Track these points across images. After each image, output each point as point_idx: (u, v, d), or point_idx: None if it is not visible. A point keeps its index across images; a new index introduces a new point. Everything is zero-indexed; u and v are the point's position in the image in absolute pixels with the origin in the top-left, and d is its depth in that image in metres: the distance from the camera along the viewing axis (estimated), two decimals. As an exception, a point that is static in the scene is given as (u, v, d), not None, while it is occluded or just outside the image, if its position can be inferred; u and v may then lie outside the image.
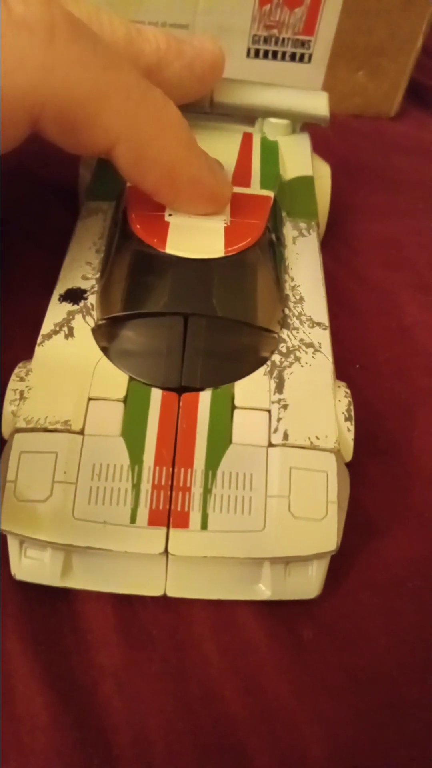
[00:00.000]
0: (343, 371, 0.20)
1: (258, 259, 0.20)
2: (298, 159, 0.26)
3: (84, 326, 0.19)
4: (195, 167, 0.19)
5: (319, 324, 0.20)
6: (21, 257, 0.27)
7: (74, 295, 0.20)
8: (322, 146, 0.28)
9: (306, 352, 0.19)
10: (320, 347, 0.19)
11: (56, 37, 0.16)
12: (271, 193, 0.22)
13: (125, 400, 0.18)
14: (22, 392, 0.18)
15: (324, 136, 0.29)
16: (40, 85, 0.16)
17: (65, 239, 0.23)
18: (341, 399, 0.19)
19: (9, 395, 0.18)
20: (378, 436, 0.22)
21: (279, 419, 0.17)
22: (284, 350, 0.19)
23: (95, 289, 0.20)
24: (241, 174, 0.24)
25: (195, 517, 0.16)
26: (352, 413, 0.18)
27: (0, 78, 0.15)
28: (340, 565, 0.18)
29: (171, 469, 0.17)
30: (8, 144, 0.17)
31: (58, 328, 0.19)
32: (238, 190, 0.22)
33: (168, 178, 0.19)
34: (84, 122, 0.17)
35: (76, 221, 0.23)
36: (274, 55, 0.36)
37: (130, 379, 0.18)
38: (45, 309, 0.20)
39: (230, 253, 0.20)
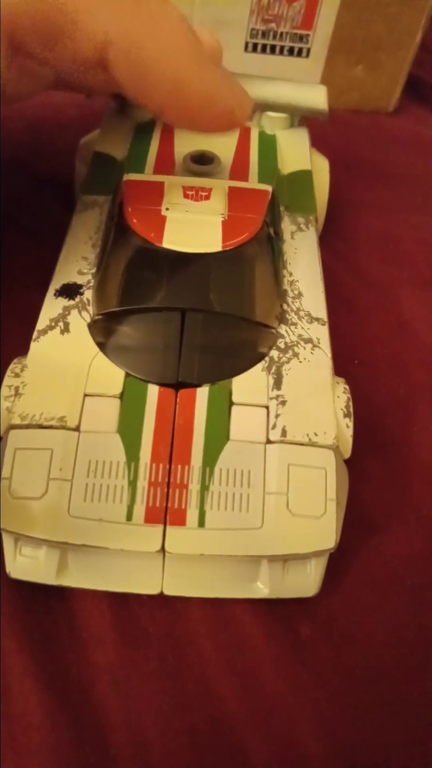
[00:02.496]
0: (341, 367, 0.20)
1: (256, 253, 0.20)
2: (297, 153, 0.26)
3: (80, 321, 0.19)
4: (205, 76, 0.17)
5: (317, 319, 0.20)
6: (17, 251, 0.27)
7: (70, 290, 0.20)
8: (320, 140, 0.28)
9: (304, 348, 0.19)
10: (319, 343, 0.19)
11: None
12: (269, 188, 0.22)
13: (121, 397, 0.17)
14: (17, 388, 0.18)
15: (322, 131, 0.28)
16: None
17: (61, 233, 0.23)
18: (340, 395, 0.18)
19: (4, 391, 0.18)
20: (377, 432, 0.22)
21: (277, 415, 0.17)
22: (282, 346, 0.19)
23: (91, 284, 0.20)
24: (239, 168, 0.24)
25: (192, 515, 0.16)
26: (351, 409, 0.18)
27: None
28: (338, 562, 0.18)
29: (168, 466, 0.16)
30: None
31: (53, 324, 0.19)
32: (235, 184, 0.22)
33: (174, 89, 0.17)
34: (64, 27, 0.16)
35: (70, 214, 0.23)
36: (272, 49, 0.35)
37: (127, 375, 0.18)
38: (39, 302, 0.20)
39: (228, 248, 0.20)
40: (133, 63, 0.17)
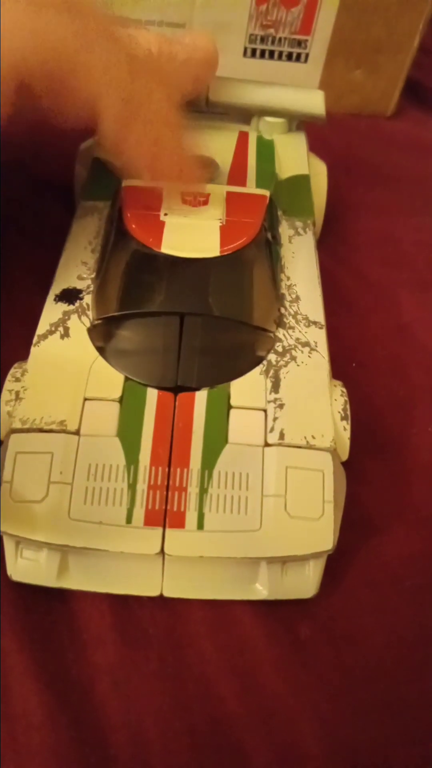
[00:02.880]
0: (341, 368, 0.20)
1: (254, 258, 0.20)
2: (294, 157, 0.26)
3: (80, 326, 0.19)
4: (178, 149, 0.20)
5: (315, 323, 0.20)
6: (17, 253, 0.27)
7: (70, 295, 0.20)
8: (319, 144, 0.28)
9: (302, 351, 0.19)
10: (316, 346, 0.19)
11: (45, 7, 0.17)
12: (266, 192, 0.22)
13: (121, 400, 0.18)
14: (17, 393, 0.18)
15: (321, 134, 0.29)
16: (28, 42, 0.17)
17: (61, 235, 0.23)
18: (337, 398, 0.19)
19: (5, 396, 0.18)
20: (376, 433, 0.22)
21: (275, 419, 0.17)
22: (280, 349, 0.19)
23: (91, 289, 0.20)
24: (237, 172, 0.24)
25: (191, 517, 0.16)
26: (348, 412, 0.18)
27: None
28: (337, 563, 0.18)
29: (167, 469, 0.17)
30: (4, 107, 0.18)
31: (53, 329, 0.19)
32: (233, 189, 0.22)
33: (148, 144, 0.19)
34: (68, 72, 0.18)
35: (70, 218, 0.23)
36: (271, 54, 0.36)
37: (126, 379, 0.18)
38: (38, 304, 0.20)
39: (226, 252, 0.20)
40: (119, 113, 0.19)
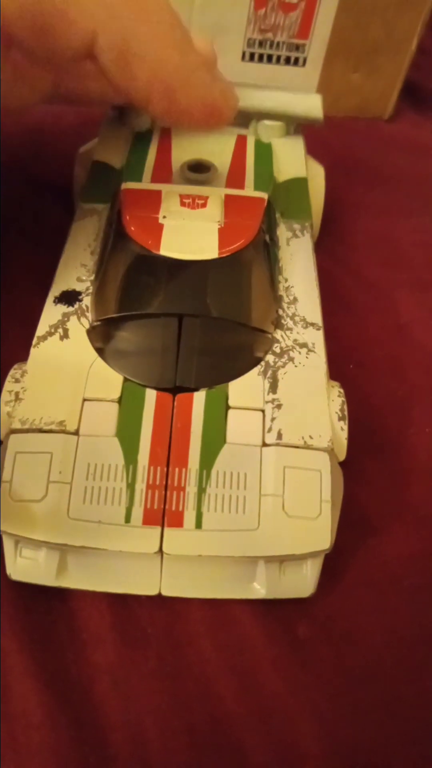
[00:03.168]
0: (339, 368, 0.20)
1: (252, 259, 0.20)
2: (292, 161, 0.26)
3: (79, 328, 0.19)
4: (190, 69, 0.18)
5: (312, 324, 0.20)
6: (17, 256, 0.27)
7: (69, 297, 0.20)
8: (318, 145, 0.28)
9: (300, 353, 0.19)
10: (314, 347, 0.20)
11: None
12: (264, 195, 0.22)
13: (120, 401, 0.18)
14: (17, 393, 0.18)
15: (320, 135, 0.29)
16: None
17: (61, 236, 0.23)
18: (335, 398, 0.19)
19: (4, 396, 0.18)
20: (374, 433, 0.22)
21: (273, 419, 0.18)
22: (278, 350, 0.19)
23: (90, 290, 0.21)
24: (235, 176, 0.24)
25: (189, 517, 0.16)
26: (346, 413, 0.19)
27: None
28: (335, 562, 0.18)
29: (165, 469, 0.17)
30: None
31: (53, 330, 0.19)
32: (232, 191, 0.22)
33: (159, 81, 0.17)
34: (53, 15, 0.16)
35: (70, 220, 0.24)
36: (269, 58, 0.36)
37: (125, 379, 0.18)
38: (37, 306, 0.20)
39: (224, 254, 0.20)
40: (121, 51, 0.17)
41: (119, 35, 0.17)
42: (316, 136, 0.28)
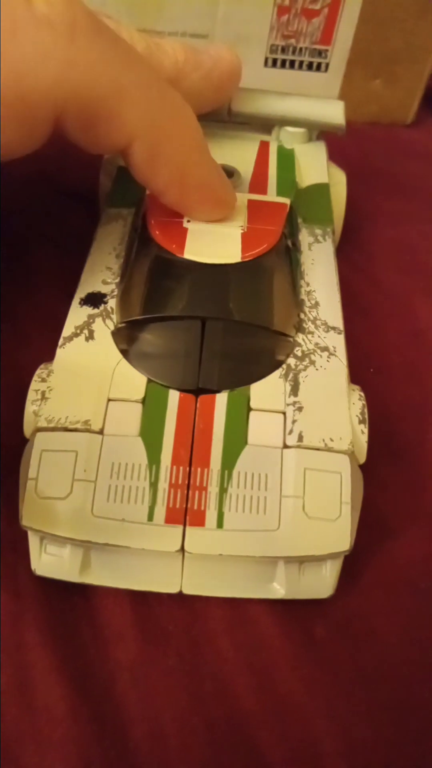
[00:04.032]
0: (357, 374, 0.21)
1: (274, 264, 0.21)
2: (314, 167, 0.27)
3: (104, 329, 0.20)
4: (205, 171, 0.20)
5: (333, 328, 0.20)
6: (43, 262, 0.28)
7: (95, 299, 0.21)
8: (338, 153, 0.29)
9: (321, 356, 0.20)
10: (335, 351, 0.20)
11: (78, 33, 0.16)
12: (287, 200, 0.23)
13: (144, 401, 0.18)
14: (43, 393, 0.18)
15: (340, 143, 0.29)
16: (62, 80, 0.16)
17: (85, 244, 0.23)
18: (355, 402, 0.19)
19: (31, 395, 0.18)
20: (392, 439, 0.23)
21: (294, 421, 0.18)
22: (299, 354, 0.19)
23: (115, 293, 0.21)
24: (258, 181, 0.25)
25: (211, 516, 0.16)
26: (366, 416, 0.19)
27: (24, 75, 0.16)
28: (353, 565, 0.18)
29: (188, 469, 0.17)
30: (34, 141, 0.17)
31: (78, 331, 0.20)
32: (255, 197, 0.23)
33: (178, 179, 0.19)
34: (103, 118, 0.17)
35: (95, 227, 0.24)
36: (292, 64, 0.36)
37: (149, 380, 0.18)
38: (64, 312, 0.20)
39: (247, 259, 0.20)
40: (152, 154, 0.19)
41: (155, 142, 0.18)
42: (336, 144, 0.29)
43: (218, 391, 0.18)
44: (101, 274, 0.22)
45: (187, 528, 0.16)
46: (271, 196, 0.24)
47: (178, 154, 0.19)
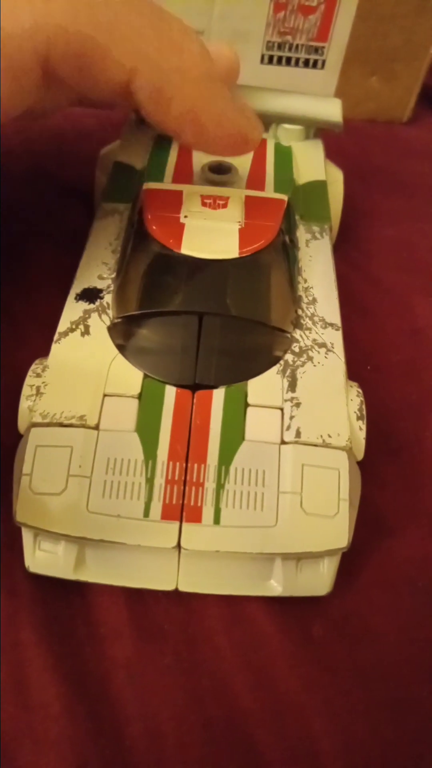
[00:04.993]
0: (356, 372, 0.20)
1: (272, 260, 0.21)
2: (312, 164, 0.27)
3: (100, 324, 0.20)
4: (220, 103, 0.19)
5: (331, 325, 0.20)
6: (39, 258, 0.27)
7: (90, 294, 0.21)
8: (335, 150, 0.29)
9: (318, 352, 0.19)
10: (333, 347, 0.20)
11: None
12: (284, 197, 0.23)
13: (140, 397, 0.18)
14: (38, 388, 0.18)
15: (337, 141, 0.29)
16: (41, 22, 0.16)
17: (80, 240, 0.23)
18: (353, 398, 0.19)
19: (26, 391, 0.18)
20: (390, 436, 0.23)
21: (291, 417, 0.18)
22: (297, 350, 0.19)
23: (111, 288, 0.21)
24: (256, 178, 0.24)
25: (208, 512, 0.16)
26: (364, 412, 0.19)
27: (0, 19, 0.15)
28: (351, 562, 0.18)
29: (184, 465, 0.17)
30: (25, 94, 0.17)
31: (74, 326, 0.20)
32: (252, 193, 0.22)
33: (191, 114, 0.18)
34: (93, 57, 0.17)
35: (91, 222, 0.24)
36: (288, 61, 0.36)
37: (145, 376, 0.18)
38: (60, 308, 0.20)
39: (244, 254, 0.20)
40: (156, 88, 0.18)
41: (157, 75, 0.17)
42: (333, 142, 0.29)
43: (215, 387, 0.18)
44: (97, 269, 0.21)
45: (184, 524, 0.16)
46: (269, 192, 0.24)
47: (185, 86, 0.18)
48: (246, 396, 0.18)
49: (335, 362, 0.19)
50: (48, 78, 0.17)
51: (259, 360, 0.19)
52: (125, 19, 0.17)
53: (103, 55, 0.17)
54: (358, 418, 0.18)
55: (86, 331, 0.19)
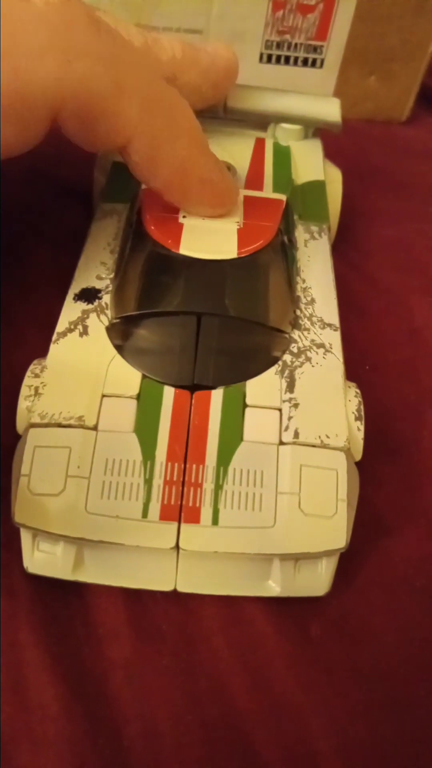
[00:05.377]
0: (353, 372, 0.20)
1: (270, 260, 0.21)
2: (310, 164, 0.27)
3: (98, 325, 0.20)
4: (205, 168, 0.20)
5: (329, 325, 0.20)
6: (37, 259, 0.27)
7: (89, 295, 0.21)
8: (333, 150, 0.29)
9: (317, 353, 0.19)
10: (331, 348, 0.20)
11: (75, 30, 0.16)
12: (283, 197, 0.23)
13: (138, 398, 0.18)
14: (36, 388, 0.18)
15: (335, 141, 0.29)
16: (61, 77, 0.16)
17: (79, 240, 0.23)
18: (351, 399, 0.19)
19: (24, 391, 0.18)
20: (388, 437, 0.23)
21: (290, 418, 0.18)
22: (295, 350, 0.19)
23: (109, 288, 0.21)
24: (254, 178, 0.24)
25: (206, 513, 0.16)
26: (362, 413, 0.19)
27: (22, 72, 0.15)
28: (349, 563, 0.18)
29: (183, 465, 0.17)
30: (31, 139, 0.17)
31: (72, 327, 0.20)
32: (251, 193, 0.22)
33: (179, 176, 0.19)
34: (102, 116, 0.17)
35: (90, 222, 0.24)
36: (287, 60, 0.36)
37: (144, 376, 0.18)
38: (58, 308, 0.20)
39: (243, 255, 0.20)
40: (151, 152, 0.19)
41: (154, 140, 0.18)
42: (331, 141, 0.29)
43: (214, 388, 0.18)
44: (95, 269, 0.21)
45: (182, 525, 0.16)
46: (268, 192, 0.24)
47: (178, 151, 0.19)
48: (244, 396, 0.18)
49: (334, 363, 0.19)
50: (53, 127, 0.18)
51: (258, 360, 0.19)
52: (135, 81, 0.17)
53: (110, 116, 0.17)
54: (357, 419, 0.18)
55: (85, 332, 0.19)
